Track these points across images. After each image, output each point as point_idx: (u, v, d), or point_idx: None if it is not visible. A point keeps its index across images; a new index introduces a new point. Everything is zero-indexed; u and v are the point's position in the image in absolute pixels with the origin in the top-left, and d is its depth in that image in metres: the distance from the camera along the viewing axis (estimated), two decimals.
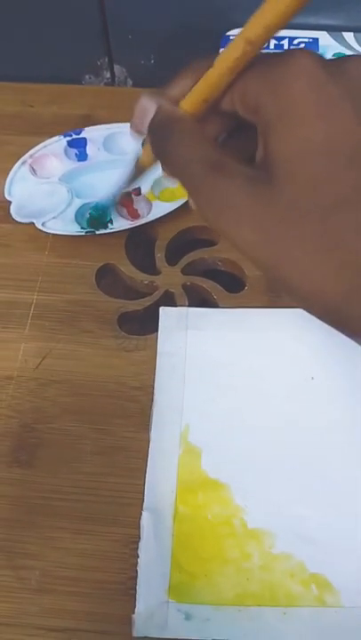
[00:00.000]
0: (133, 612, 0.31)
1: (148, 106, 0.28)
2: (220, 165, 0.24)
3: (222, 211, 0.24)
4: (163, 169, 0.28)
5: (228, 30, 0.47)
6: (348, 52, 0.45)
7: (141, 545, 0.33)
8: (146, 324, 0.41)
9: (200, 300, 0.43)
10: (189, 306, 0.42)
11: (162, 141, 0.27)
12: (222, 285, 0.43)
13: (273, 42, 0.46)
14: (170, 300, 0.43)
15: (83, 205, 0.44)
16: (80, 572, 0.33)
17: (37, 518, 0.34)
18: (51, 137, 0.47)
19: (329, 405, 0.36)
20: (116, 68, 0.52)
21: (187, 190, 0.26)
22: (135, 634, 0.31)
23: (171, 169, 0.26)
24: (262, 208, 0.23)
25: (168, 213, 0.45)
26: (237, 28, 0.47)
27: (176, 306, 0.42)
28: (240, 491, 0.34)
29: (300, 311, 0.42)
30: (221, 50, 0.27)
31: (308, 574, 0.32)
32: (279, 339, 0.39)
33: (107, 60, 0.52)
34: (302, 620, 0.31)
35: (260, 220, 0.23)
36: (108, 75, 0.53)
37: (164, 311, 0.41)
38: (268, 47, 0.45)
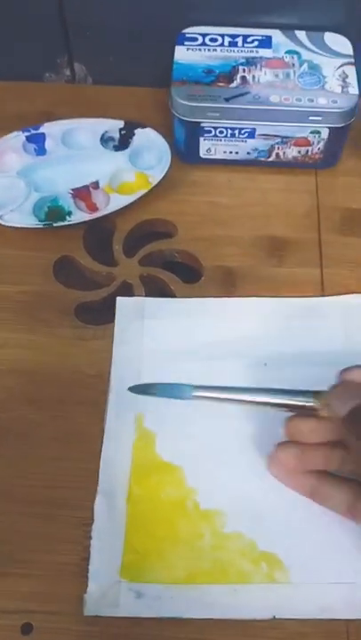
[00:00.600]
0: (85, 592, 0.32)
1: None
2: None
3: None
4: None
5: (185, 28, 0.48)
6: (300, 49, 0.46)
7: (94, 527, 0.33)
8: (103, 315, 0.42)
9: (158, 290, 0.44)
10: (147, 296, 0.43)
11: None
12: (179, 276, 0.44)
13: (227, 39, 0.47)
14: (127, 291, 0.43)
15: (41, 199, 0.45)
16: (34, 554, 0.33)
17: None
18: (10, 133, 0.48)
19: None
20: (76, 65, 0.53)
21: None
22: (87, 613, 0.31)
23: None
24: None
25: (126, 206, 0.45)
26: (193, 26, 0.48)
27: (134, 296, 0.43)
28: (193, 473, 0.35)
29: (253, 300, 0.43)
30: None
31: (259, 552, 0.33)
32: (233, 327, 0.40)
33: (66, 58, 0.52)
34: (252, 596, 0.32)
35: None
36: (69, 72, 0.53)
37: (121, 301, 0.41)
38: (222, 44, 0.47)
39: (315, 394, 0.32)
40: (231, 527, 0.33)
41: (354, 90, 0.44)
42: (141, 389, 0.36)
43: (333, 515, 0.33)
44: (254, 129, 0.45)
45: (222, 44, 0.47)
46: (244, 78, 0.45)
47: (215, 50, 0.46)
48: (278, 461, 0.33)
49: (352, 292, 0.42)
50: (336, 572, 0.32)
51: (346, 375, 0.31)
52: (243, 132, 0.45)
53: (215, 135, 0.46)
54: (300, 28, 0.48)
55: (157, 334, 0.40)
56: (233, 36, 0.47)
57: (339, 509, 0.32)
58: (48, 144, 0.48)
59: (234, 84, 0.44)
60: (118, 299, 0.41)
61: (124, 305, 0.41)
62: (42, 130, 0.48)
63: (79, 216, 0.44)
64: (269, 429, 0.35)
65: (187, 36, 0.47)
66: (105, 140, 0.48)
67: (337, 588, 0.31)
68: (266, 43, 0.47)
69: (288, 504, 0.34)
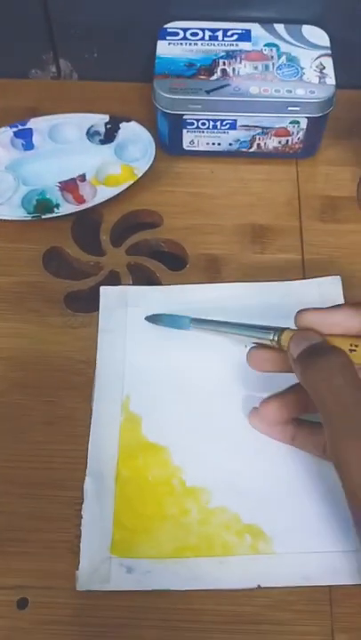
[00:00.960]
0: (77, 569, 0.33)
1: (312, 337, 0.32)
2: None
3: None
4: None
5: (166, 23, 0.49)
6: (278, 42, 0.48)
7: (84, 506, 0.34)
8: (92, 303, 0.43)
9: (145, 279, 0.45)
10: (135, 284, 0.44)
11: (317, 365, 0.30)
12: (166, 265, 0.45)
13: (208, 33, 0.48)
14: (115, 280, 0.44)
15: (29, 192, 0.46)
16: (27, 533, 0.34)
17: None
18: None
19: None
20: (62, 62, 0.54)
21: (327, 412, 0.29)
22: (79, 588, 0.32)
23: (318, 393, 0.30)
24: None
25: (112, 197, 0.46)
26: (175, 21, 0.49)
27: (121, 284, 0.44)
28: (178, 452, 0.36)
29: (233, 285, 0.45)
30: None
31: (243, 525, 0.34)
32: (215, 311, 0.41)
33: (52, 54, 0.53)
34: (238, 567, 0.33)
35: None
36: (54, 69, 0.54)
37: (105, 290, 0.43)
38: (202, 38, 0.48)
39: (280, 330, 0.34)
40: (216, 502, 0.35)
41: (331, 80, 0.46)
42: (152, 319, 0.40)
43: (313, 486, 0.34)
44: (235, 120, 0.46)
45: (203, 38, 0.48)
46: (224, 71, 0.46)
47: (196, 44, 0.48)
48: (261, 416, 0.35)
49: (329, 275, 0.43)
50: (317, 541, 0.33)
51: (301, 316, 0.33)
52: (224, 123, 0.46)
53: (198, 127, 0.47)
54: (279, 22, 0.49)
55: (140, 321, 0.41)
56: (213, 30, 0.48)
57: (316, 452, 0.34)
58: (35, 139, 0.49)
59: (214, 77, 0.46)
60: (102, 288, 0.43)
61: (108, 294, 0.42)
62: (29, 125, 0.49)
63: (67, 208, 0.46)
64: (248, 407, 0.37)
65: (168, 30, 0.49)
66: (91, 134, 0.50)
67: (318, 556, 0.33)
68: (245, 36, 0.48)
69: (270, 478, 0.35)
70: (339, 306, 0.33)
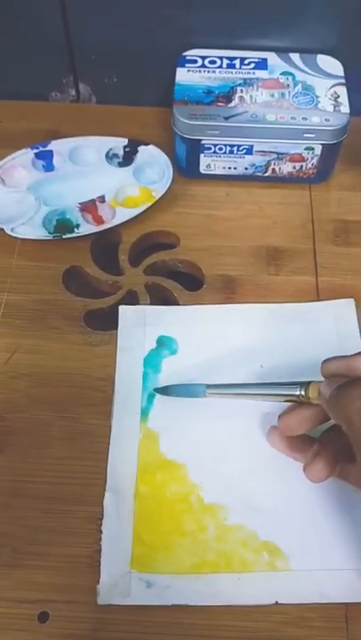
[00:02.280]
0: (98, 583, 0.33)
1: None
2: None
3: None
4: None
5: (185, 51, 0.50)
6: (294, 71, 0.49)
7: (104, 522, 0.35)
8: (110, 321, 0.44)
9: (162, 298, 0.46)
10: (152, 304, 0.45)
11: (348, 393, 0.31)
12: (183, 284, 0.46)
13: (226, 61, 0.50)
14: (133, 299, 0.45)
15: (50, 212, 0.47)
16: (48, 547, 0.35)
17: (8, 500, 0.36)
18: (19, 150, 0.50)
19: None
20: (81, 86, 0.56)
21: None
22: (100, 602, 0.33)
23: (349, 419, 0.30)
24: None
25: (130, 219, 0.48)
26: (193, 49, 0.51)
27: (138, 304, 0.45)
28: (196, 470, 0.37)
29: (249, 306, 0.46)
30: None
31: (260, 542, 0.35)
32: (230, 332, 0.43)
33: (72, 78, 0.55)
34: (255, 584, 0.34)
35: None
36: (74, 92, 0.56)
37: (123, 310, 0.44)
38: (220, 66, 0.49)
39: (306, 384, 0.34)
40: (233, 520, 0.35)
41: (345, 109, 0.47)
42: (161, 391, 0.39)
43: (329, 505, 0.35)
44: (252, 146, 0.48)
45: (221, 66, 0.50)
46: (241, 98, 0.47)
47: (214, 71, 0.49)
48: (278, 431, 0.35)
49: (342, 298, 0.44)
50: (334, 559, 0.34)
51: (326, 365, 0.33)
52: (241, 148, 0.48)
53: (215, 152, 0.48)
54: (295, 51, 0.51)
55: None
56: (231, 59, 0.50)
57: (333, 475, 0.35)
58: (56, 160, 0.50)
59: (232, 104, 0.47)
60: (121, 307, 0.44)
61: (127, 313, 0.44)
62: (50, 147, 0.51)
63: (86, 228, 0.47)
64: (265, 426, 0.37)
65: (187, 58, 0.50)
66: (110, 156, 0.51)
67: (335, 573, 0.34)
68: (262, 64, 0.50)
69: (286, 496, 0.36)
70: None
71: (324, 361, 0.33)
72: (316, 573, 0.34)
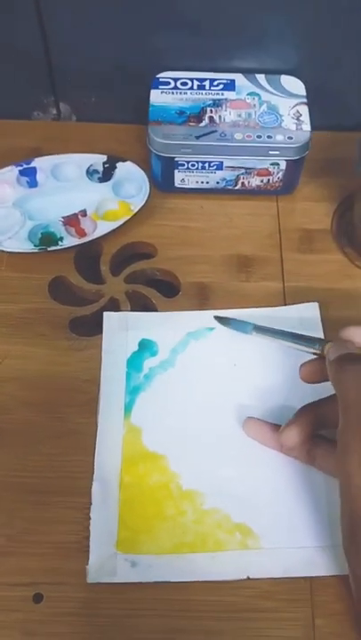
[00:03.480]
0: (87, 564, 0.37)
1: (350, 346, 0.37)
2: None
3: None
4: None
5: (159, 71, 0.54)
6: (260, 91, 0.53)
7: (92, 509, 0.39)
8: (94, 327, 0.47)
9: (141, 305, 0.50)
10: (132, 310, 0.48)
11: (346, 365, 0.35)
12: (160, 292, 0.50)
13: (196, 83, 0.53)
14: (115, 306, 0.49)
15: (35, 226, 0.51)
16: (40, 535, 0.38)
17: (2, 494, 0.40)
18: (3, 167, 0.54)
19: (248, 385, 0.43)
20: (62, 105, 0.59)
21: (348, 414, 0.33)
22: (89, 580, 0.37)
23: (342, 386, 0.34)
24: None
25: (111, 231, 0.51)
26: (167, 71, 0.54)
27: (120, 310, 0.48)
28: (175, 460, 0.41)
29: (221, 312, 0.49)
30: None
31: (233, 524, 0.38)
32: (206, 334, 0.46)
33: (53, 98, 0.58)
34: (229, 561, 0.37)
35: None
36: (55, 111, 0.59)
37: (108, 316, 0.47)
38: (191, 87, 0.53)
39: (324, 342, 0.39)
40: (209, 504, 0.39)
41: (307, 127, 0.51)
42: (220, 320, 0.46)
43: (295, 489, 0.39)
44: (222, 162, 0.51)
45: (192, 88, 0.53)
46: (211, 118, 0.51)
47: (186, 93, 0.53)
48: (282, 442, 0.39)
49: (308, 302, 0.48)
50: (299, 538, 0.38)
51: (344, 330, 0.38)
52: (212, 164, 0.52)
53: (188, 168, 0.52)
54: (260, 72, 0.55)
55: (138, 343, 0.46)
56: (201, 80, 0.54)
57: (301, 457, 0.39)
58: (39, 177, 0.54)
59: (203, 124, 0.51)
60: (105, 313, 0.47)
61: (111, 319, 0.47)
62: (33, 164, 0.54)
63: (70, 241, 0.50)
64: (240, 418, 0.41)
65: (160, 80, 0.54)
66: (90, 172, 0.54)
67: (300, 551, 0.37)
68: (230, 86, 0.54)
69: (258, 481, 0.40)
70: None
71: (345, 328, 0.38)
72: (284, 551, 0.37)
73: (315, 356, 0.40)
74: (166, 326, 0.47)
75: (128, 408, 0.43)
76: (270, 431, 0.40)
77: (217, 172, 0.52)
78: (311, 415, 0.38)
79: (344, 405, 0.34)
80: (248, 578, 0.37)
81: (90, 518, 0.38)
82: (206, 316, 0.47)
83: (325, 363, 0.38)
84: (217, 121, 0.51)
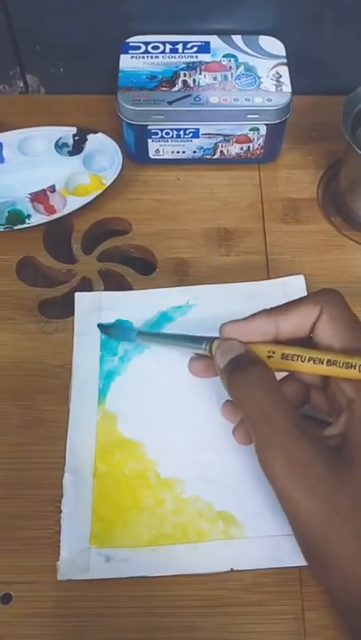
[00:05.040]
0: (58, 560, 0.34)
1: (235, 347, 0.34)
2: (302, 426, 0.30)
3: (297, 469, 0.29)
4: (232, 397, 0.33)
5: (128, 38, 0.51)
6: (236, 53, 0.50)
7: (64, 501, 0.36)
8: (65, 309, 0.44)
9: (116, 284, 0.47)
10: (107, 289, 0.45)
11: (239, 379, 0.32)
12: (137, 270, 0.47)
13: (168, 46, 0.50)
14: (87, 286, 0.46)
15: (0, 204, 0.47)
16: (8, 531, 0.36)
17: None
18: None
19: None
20: (29, 77, 0.56)
21: (251, 421, 0.31)
22: (60, 578, 0.34)
23: (242, 404, 0.32)
24: (337, 487, 0.29)
25: (82, 207, 0.48)
26: (136, 35, 0.51)
27: (93, 291, 0.45)
28: (153, 447, 0.38)
29: (201, 287, 0.46)
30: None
31: (215, 512, 0.36)
32: (184, 312, 0.43)
33: (19, 70, 0.55)
34: (211, 552, 0.35)
35: (330, 495, 0.28)
36: (22, 84, 0.56)
37: (79, 296, 0.44)
38: (163, 51, 0.50)
39: (211, 342, 0.36)
40: (189, 492, 0.36)
41: (287, 88, 0.48)
42: (102, 328, 0.42)
43: None
44: (198, 129, 0.48)
45: (164, 52, 0.50)
46: (185, 82, 0.48)
47: (157, 57, 0.50)
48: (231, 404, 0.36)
49: (292, 274, 0.45)
50: (286, 525, 0.34)
51: (223, 328, 0.35)
52: (187, 132, 0.48)
53: (162, 137, 0.49)
54: (237, 33, 0.51)
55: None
56: (173, 43, 0.50)
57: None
58: (5, 152, 0.51)
59: (176, 88, 0.48)
60: (77, 294, 0.44)
61: (82, 299, 0.44)
62: None
63: (38, 218, 0.47)
64: (219, 401, 0.38)
65: (130, 45, 0.51)
66: (59, 146, 0.51)
67: (287, 538, 0.34)
68: (205, 48, 0.50)
69: (240, 466, 0.37)
70: (255, 314, 0.34)
71: (222, 324, 0.35)
72: (270, 539, 0.35)
73: None
74: (142, 305, 0.44)
75: (102, 393, 0.40)
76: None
77: (193, 140, 0.49)
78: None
79: (250, 421, 0.31)
80: (232, 570, 0.34)
81: (61, 511, 0.36)
82: (185, 293, 0.44)
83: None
84: (191, 85, 0.48)
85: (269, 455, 0.30)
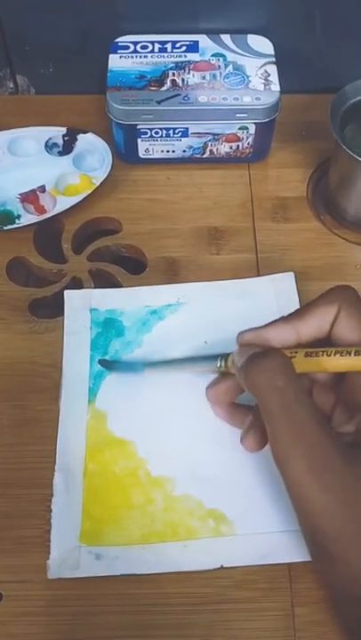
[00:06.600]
0: (48, 559, 0.34)
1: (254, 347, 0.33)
2: (322, 421, 0.29)
3: (314, 464, 0.29)
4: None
5: (118, 37, 0.51)
6: (225, 52, 0.50)
7: (54, 500, 0.36)
8: (56, 309, 0.44)
9: (107, 283, 0.47)
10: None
11: (260, 365, 0.31)
12: (128, 269, 0.47)
13: (157, 46, 0.50)
14: (77, 286, 0.46)
15: None
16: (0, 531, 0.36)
17: None
18: None
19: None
20: (19, 77, 0.56)
21: (269, 413, 0.30)
22: (50, 576, 0.34)
23: (261, 394, 0.30)
24: (353, 483, 0.28)
25: (72, 207, 0.48)
26: (126, 34, 0.51)
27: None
28: (143, 445, 0.38)
29: (192, 285, 0.46)
30: None
31: (206, 510, 0.36)
32: (174, 310, 0.43)
33: (8, 71, 0.55)
34: (201, 550, 0.35)
35: (346, 491, 0.28)
36: (12, 84, 0.56)
37: (69, 294, 0.44)
38: (152, 50, 0.50)
39: (225, 356, 0.35)
40: (180, 490, 0.36)
41: (276, 87, 0.48)
42: (104, 364, 0.41)
43: (270, 471, 0.36)
44: (187, 128, 0.48)
45: (153, 51, 0.50)
46: (174, 82, 0.48)
47: (146, 56, 0.50)
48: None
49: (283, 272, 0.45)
50: (275, 522, 0.35)
51: (241, 336, 0.34)
52: (176, 131, 0.48)
53: (151, 136, 0.49)
54: (225, 32, 0.52)
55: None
56: (162, 43, 0.51)
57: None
58: None
59: (165, 88, 0.48)
60: (66, 292, 0.44)
61: (72, 297, 0.44)
62: None
63: (28, 219, 0.47)
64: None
65: (119, 44, 0.51)
66: (49, 146, 0.51)
67: (277, 535, 0.35)
68: (193, 47, 0.50)
69: (230, 464, 0.37)
70: (273, 322, 0.33)
71: (240, 332, 0.34)
72: (260, 536, 0.35)
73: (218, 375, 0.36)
74: (133, 303, 0.44)
75: (92, 392, 0.40)
76: (238, 413, 0.37)
77: (182, 139, 0.49)
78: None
79: (268, 413, 0.30)
80: (222, 567, 0.34)
81: (51, 510, 0.36)
82: (176, 290, 0.44)
83: (232, 378, 0.34)
84: (180, 84, 0.48)
85: (288, 449, 0.29)
